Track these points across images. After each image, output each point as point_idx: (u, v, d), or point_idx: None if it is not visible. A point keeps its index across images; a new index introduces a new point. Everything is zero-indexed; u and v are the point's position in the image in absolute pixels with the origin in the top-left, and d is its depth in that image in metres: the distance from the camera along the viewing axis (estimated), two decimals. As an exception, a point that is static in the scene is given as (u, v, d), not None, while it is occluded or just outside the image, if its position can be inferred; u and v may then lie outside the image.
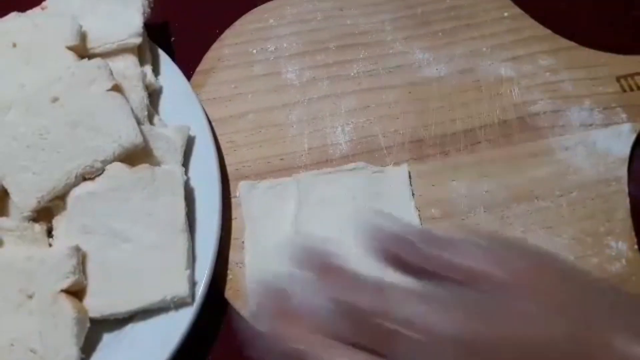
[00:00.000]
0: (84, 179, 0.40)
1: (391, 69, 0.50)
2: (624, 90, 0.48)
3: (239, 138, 0.48)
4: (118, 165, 0.40)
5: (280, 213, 0.44)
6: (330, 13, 0.53)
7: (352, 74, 0.50)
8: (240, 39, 0.52)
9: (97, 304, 0.38)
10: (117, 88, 0.42)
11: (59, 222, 0.40)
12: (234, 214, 0.45)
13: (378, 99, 0.49)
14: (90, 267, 0.39)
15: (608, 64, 0.49)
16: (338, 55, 0.51)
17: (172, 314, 0.39)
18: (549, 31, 0.51)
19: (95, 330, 0.39)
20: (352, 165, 0.45)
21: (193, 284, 0.39)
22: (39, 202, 0.39)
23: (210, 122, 0.46)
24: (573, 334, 0.24)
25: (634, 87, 0.48)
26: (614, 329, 0.24)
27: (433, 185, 0.45)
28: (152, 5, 0.47)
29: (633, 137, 0.46)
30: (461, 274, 0.26)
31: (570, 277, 0.27)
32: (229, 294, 0.42)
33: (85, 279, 0.39)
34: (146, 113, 0.44)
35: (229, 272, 0.43)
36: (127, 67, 0.45)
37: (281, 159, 0.47)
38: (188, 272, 0.39)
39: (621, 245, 0.43)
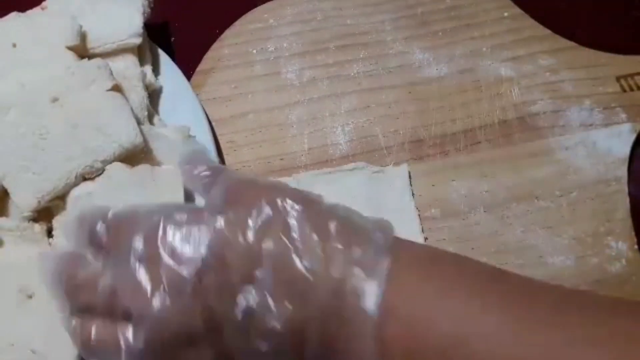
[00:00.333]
0: (84, 179, 0.40)
1: (391, 69, 0.50)
2: (624, 90, 0.48)
3: (239, 138, 0.48)
4: (118, 165, 0.40)
5: (280, 213, 0.44)
6: (330, 13, 0.53)
7: (352, 74, 0.50)
8: (240, 39, 0.52)
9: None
10: (117, 88, 0.42)
11: (59, 222, 0.40)
12: (234, 214, 0.45)
13: (378, 99, 0.49)
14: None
15: (608, 64, 0.49)
16: (338, 55, 0.51)
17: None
18: (549, 31, 0.51)
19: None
20: (352, 165, 0.45)
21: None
22: (39, 202, 0.39)
23: (210, 122, 0.46)
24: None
25: (634, 87, 0.48)
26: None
27: (433, 185, 0.45)
28: (152, 5, 0.47)
29: (633, 137, 0.46)
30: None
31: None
32: (229, 294, 0.42)
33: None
34: (146, 113, 0.44)
35: (229, 272, 0.43)
36: (127, 67, 0.45)
37: (281, 159, 0.47)
38: None
39: (621, 245, 0.43)
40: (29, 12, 0.46)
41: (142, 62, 0.46)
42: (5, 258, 0.39)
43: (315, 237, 0.26)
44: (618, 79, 0.49)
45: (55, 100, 0.41)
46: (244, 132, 0.48)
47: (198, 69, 0.50)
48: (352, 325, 0.25)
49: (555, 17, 0.52)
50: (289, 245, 0.26)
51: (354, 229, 0.27)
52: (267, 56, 0.51)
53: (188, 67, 0.49)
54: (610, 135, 0.47)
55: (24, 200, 0.39)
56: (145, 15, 0.46)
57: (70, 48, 0.43)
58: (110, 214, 0.30)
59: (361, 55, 0.51)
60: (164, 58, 0.48)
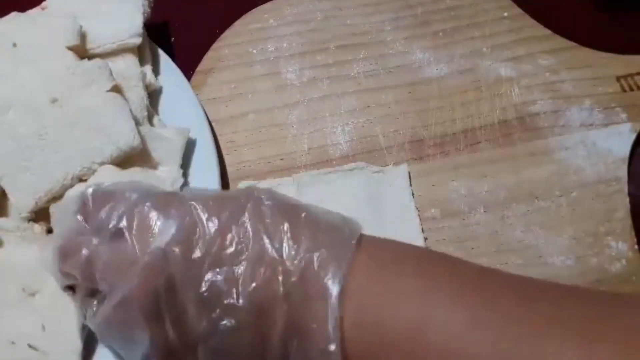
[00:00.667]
0: (80, 181, 0.40)
1: (391, 69, 0.50)
2: (624, 90, 0.48)
3: (239, 138, 0.48)
4: (109, 167, 0.40)
5: (280, 213, 0.44)
6: (330, 13, 0.53)
7: (352, 74, 0.50)
8: (240, 39, 0.52)
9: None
10: (116, 89, 0.42)
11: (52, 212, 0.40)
12: (234, 214, 0.45)
13: (378, 99, 0.49)
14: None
15: (608, 64, 0.49)
16: (338, 55, 0.51)
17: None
18: (549, 31, 0.51)
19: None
20: (352, 165, 0.45)
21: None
22: (36, 202, 0.39)
23: (210, 122, 0.46)
24: None
25: (634, 87, 0.48)
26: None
27: (433, 185, 0.45)
28: (152, 5, 0.47)
29: (633, 137, 0.46)
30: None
31: None
32: (228, 294, 0.42)
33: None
34: (146, 113, 0.44)
35: (228, 272, 0.43)
36: (127, 67, 0.45)
37: (281, 159, 0.47)
38: None
39: (621, 245, 0.43)
40: (29, 12, 0.46)
41: (142, 62, 0.46)
42: (5, 258, 0.39)
43: (286, 223, 0.27)
44: (618, 79, 0.49)
45: (54, 100, 0.41)
46: (244, 132, 0.48)
47: (198, 69, 0.50)
48: (316, 305, 0.26)
49: (555, 17, 0.52)
50: (259, 226, 0.27)
51: (323, 220, 0.29)
52: (267, 56, 0.51)
53: (188, 67, 0.49)
54: (610, 135, 0.47)
55: (21, 200, 0.39)
56: (145, 15, 0.46)
57: (70, 48, 0.43)
58: (90, 190, 0.31)
59: (361, 55, 0.51)
60: (164, 58, 0.48)
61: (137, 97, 0.44)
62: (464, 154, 0.47)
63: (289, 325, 0.26)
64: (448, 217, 0.44)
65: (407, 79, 0.50)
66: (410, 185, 0.45)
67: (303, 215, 0.28)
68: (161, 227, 0.28)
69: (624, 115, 0.47)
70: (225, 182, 0.45)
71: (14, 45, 0.44)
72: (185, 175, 0.43)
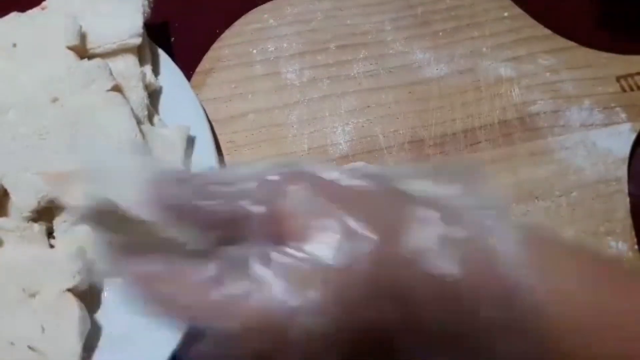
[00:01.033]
0: (83, 180, 0.40)
1: (391, 69, 0.50)
2: (624, 90, 0.48)
3: (239, 138, 0.48)
4: None
5: (280, 213, 0.44)
6: (330, 13, 0.53)
7: (352, 74, 0.50)
8: (240, 39, 0.52)
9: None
10: (117, 88, 0.42)
11: (59, 222, 0.40)
12: (234, 214, 0.45)
13: (378, 99, 0.49)
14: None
15: (608, 64, 0.49)
16: (338, 55, 0.51)
17: (172, 314, 0.39)
18: (549, 31, 0.51)
19: (96, 329, 0.39)
20: (351, 165, 0.45)
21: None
22: (38, 202, 0.39)
23: (210, 122, 0.46)
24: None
25: (634, 87, 0.48)
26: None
27: (433, 185, 0.45)
28: (152, 5, 0.47)
29: (633, 137, 0.46)
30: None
31: None
32: (229, 294, 0.42)
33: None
34: (146, 113, 0.44)
35: (229, 272, 0.43)
36: (127, 67, 0.45)
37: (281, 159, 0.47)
38: None
39: (621, 245, 0.43)
40: (29, 12, 0.46)
41: (142, 62, 0.46)
42: (5, 258, 0.39)
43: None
44: (618, 79, 0.49)
45: (55, 100, 0.41)
46: (244, 132, 0.48)
47: (198, 69, 0.50)
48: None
49: (555, 17, 0.52)
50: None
51: None
52: (267, 56, 0.51)
53: (188, 67, 0.49)
54: (610, 135, 0.47)
55: (23, 200, 0.39)
56: (145, 15, 0.46)
57: (70, 48, 0.43)
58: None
59: (361, 55, 0.51)
60: (164, 58, 0.47)
61: (138, 97, 0.44)
62: (464, 154, 0.47)
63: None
64: (448, 217, 0.44)
65: (407, 79, 0.50)
66: (410, 185, 0.45)
67: None
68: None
69: (623, 115, 0.47)
70: (225, 182, 0.45)
71: (14, 45, 0.44)
72: (185, 175, 0.43)
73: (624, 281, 0.25)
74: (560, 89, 0.49)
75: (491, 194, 0.24)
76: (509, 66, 0.50)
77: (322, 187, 0.22)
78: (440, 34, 0.51)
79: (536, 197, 0.45)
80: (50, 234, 0.41)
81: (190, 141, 0.44)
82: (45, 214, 0.40)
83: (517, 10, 0.52)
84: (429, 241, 0.21)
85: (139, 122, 0.42)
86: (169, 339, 0.38)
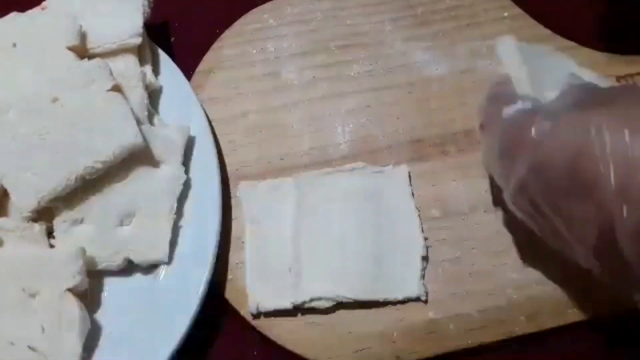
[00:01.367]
0: (84, 180, 0.40)
1: (391, 69, 0.50)
2: (624, 90, 0.48)
3: (239, 138, 0.48)
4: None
5: (281, 213, 0.44)
6: (330, 13, 0.53)
7: (352, 74, 0.50)
8: (240, 39, 0.52)
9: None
10: (117, 88, 0.42)
11: (59, 222, 0.40)
12: (234, 214, 0.45)
13: (378, 99, 0.49)
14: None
15: (608, 64, 0.49)
16: (338, 55, 0.51)
17: (172, 314, 0.39)
18: (549, 31, 0.51)
19: (96, 329, 0.39)
20: (352, 165, 0.45)
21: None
22: (38, 202, 0.39)
23: (210, 122, 0.46)
24: None
25: (634, 87, 0.48)
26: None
27: (433, 185, 0.45)
28: (152, 5, 0.47)
29: (633, 137, 0.46)
30: None
31: None
32: (229, 294, 0.42)
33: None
34: (146, 113, 0.44)
35: (229, 272, 0.43)
36: (127, 67, 0.45)
37: (281, 159, 0.47)
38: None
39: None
40: (29, 12, 0.46)
41: (142, 62, 0.46)
42: (5, 258, 0.39)
43: None
44: (618, 79, 0.49)
45: (55, 100, 0.41)
46: (244, 132, 0.48)
47: (198, 69, 0.50)
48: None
49: (555, 17, 0.52)
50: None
51: None
52: (267, 56, 0.51)
53: (188, 67, 0.49)
54: (610, 135, 0.46)
55: (23, 200, 0.39)
56: (145, 15, 0.46)
57: (70, 48, 0.43)
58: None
59: (361, 55, 0.51)
60: (164, 58, 0.48)
61: (138, 97, 0.44)
62: (464, 154, 0.47)
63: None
64: (448, 217, 0.44)
65: (407, 79, 0.50)
66: (410, 185, 0.45)
67: None
68: None
69: (623, 115, 0.47)
70: (225, 182, 0.45)
71: (14, 45, 0.44)
72: (186, 173, 0.43)
73: None
74: (560, 89, 0.49)
75: None
76: (509, 66, 0.50)
77: None
78: (440, 34, 0.51)
79: (536, 197, 0.44)
80: (50, 234, 0.41)
81: (190, 141, 0.44)
82: (45, 214, 0.40)
83: (517, 10, 0.52)
84: None
85: (139, 122, 0.42)
86: (169, 339, 0.38)
